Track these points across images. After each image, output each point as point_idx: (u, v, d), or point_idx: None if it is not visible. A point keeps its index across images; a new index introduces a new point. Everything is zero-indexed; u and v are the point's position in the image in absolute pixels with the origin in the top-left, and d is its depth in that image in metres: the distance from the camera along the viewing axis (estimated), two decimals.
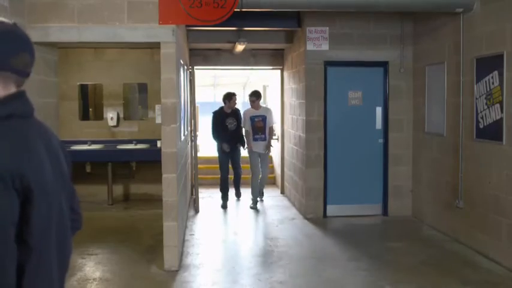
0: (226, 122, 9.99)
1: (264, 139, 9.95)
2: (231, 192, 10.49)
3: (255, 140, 9.95)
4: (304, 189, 9.04)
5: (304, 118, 8.97)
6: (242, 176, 10.73)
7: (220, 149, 10.08)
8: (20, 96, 1.89)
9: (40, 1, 5.95)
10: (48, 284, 1.92)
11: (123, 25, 6.05)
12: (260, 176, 10.14)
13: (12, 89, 1.88)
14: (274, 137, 10.59)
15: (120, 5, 6.04)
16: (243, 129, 10.07)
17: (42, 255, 1.86)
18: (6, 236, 1.71)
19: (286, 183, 11.10)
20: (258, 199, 10.23)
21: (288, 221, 8.86)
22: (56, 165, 1.98)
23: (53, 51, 6.60)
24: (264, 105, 10.92)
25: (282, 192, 11.33)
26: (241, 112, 10.31)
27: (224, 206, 10.02)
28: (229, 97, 10.09)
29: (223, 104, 10.20)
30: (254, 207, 9.90)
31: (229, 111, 10.05)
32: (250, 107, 10.20)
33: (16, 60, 1.89)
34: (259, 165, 10.10)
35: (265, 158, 10.16)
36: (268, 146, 10.08)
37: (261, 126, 9.94)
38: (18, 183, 1.73)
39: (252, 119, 9.95)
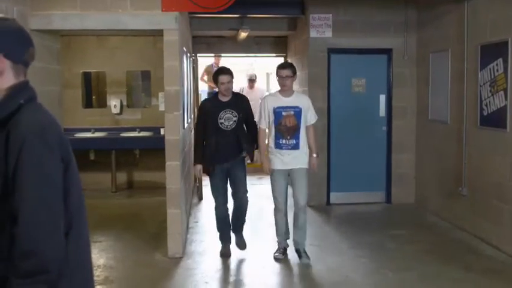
0: (219, 118, 6.15)
1: (296, 147, 6.08)
2: None
3: (279, 146, 6.08)
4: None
5: None
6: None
7: (212, 171, 6.27)
8: (28, 83, 2.11)
9: None
10: (87, 248, 2.17)
11: (126, 12, 6.03)
12: (296, 208, 6.30)
13: (22, 78, 2.08)
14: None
15: None
16: (258, 127, 6.35)
17: (80, 223, 2.08)
18: (59, 198, 1.94)
19: None
20: (288, 244, 6.46)
21: (290, 208, 8.85)
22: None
23: (56, 39, 6.58)
24: (296, 92, 6.50)
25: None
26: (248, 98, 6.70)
27: (225, 254, 6.41)
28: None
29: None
30: (279, 256, 6.30)
31: (226, 99, 6.19)
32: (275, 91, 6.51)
33: (27, 54, 2.10)
34: (286, 191, 6.28)
35: (301, 177, 6.17)
36: (312, 161, 6.24)
37: (292, 126, 6.07)
38: (62, 151, 1.98)
39: (278, 112, 6.08)
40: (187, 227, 7.42)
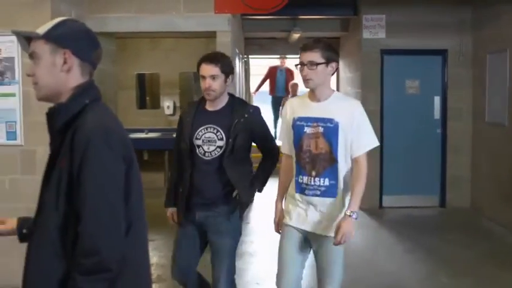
0: (194, 138, 3.77)
1: (328, 193, 3.48)
2: None
3: (299, 189, 3.56)
4: None
5: None
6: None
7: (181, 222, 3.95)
8: (94, 83, 2.17)
9: None
10: (145, 247, 2.19)
11: (179, 14, 6.11)
12: None
13: (87, 78, 2.13)
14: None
15: None
16: (277, 149, 3.95)
17: (139, 223, 2.11)
18: (120, 198, 1.98)
19: None
20: None
21: None
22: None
23: (111, 41, 6.73)
24: (338, 93, 3.77)
25: None
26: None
27: None
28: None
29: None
30: None
31: (213, 107, 3.81)
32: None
33: (95, 54, 2.16)
34: (298, 267, 3.63)
35: (331, 254, 3.50)
36: (343, 226, 3.32)
37: (320, 154, 3.47)
38: (124, 151, 2.01)
39: (298, 127, 3.54)
40: None
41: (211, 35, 6.35)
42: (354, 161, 3.51)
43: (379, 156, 8.71)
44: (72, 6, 5.49)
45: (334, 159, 3.46)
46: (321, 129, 3.46)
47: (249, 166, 3.93)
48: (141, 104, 10.76)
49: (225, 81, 3.76)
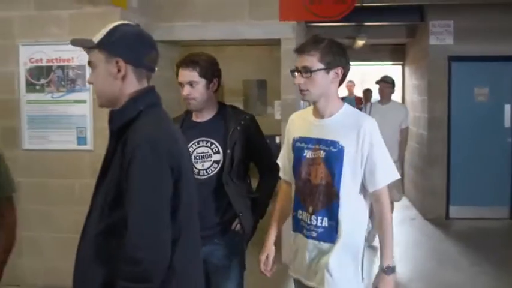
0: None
1: (326, 236, 2.67)
2: None
3: (296, 226, 2.81)
4: (426, 189, 8.74)
5: (427, 115, 8.67)
6: None
7: None
8: (153, 89, 2.14)
9: (166, 1, 6.19)
10: (196, 261, 2.14)
11: (244, 22, 6.15)
12: None
13: (145, 84, 2.12)
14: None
15: (241, 2, 6.15)
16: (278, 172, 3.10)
17: (189, 234, 2.05)
18: (166, 208, 1.93)
19: (406, 182, 10.81)
20: None
21: (408, 221, 8.62)
22: (185, 146, 2.25)
23: (176, 49, 6.84)
24: (348, 107, 2.80)
25: (402, 191, 11.01)
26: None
27: None
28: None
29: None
30: None
31: (201, 117, 3.29)
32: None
33: (149, 58, 2.12)
34: None
35: None
36: (383, 285, 2.65)
37: (319, 185, 2.67)
38: (172, 162, 1.95)
39: (298, 149, 2.78)
40: None
41: (275, 43, 6.36)
42: (372, 198, 2.70)
43: (446, 165, 8.50)
44: (141, 16, 5.63)
45: (335, 194, 2.63)
46: (322, 154, 2.67)
47: (249, 187, 3.34)
48: None
49: (208, 87, 3.19)
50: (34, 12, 5.44)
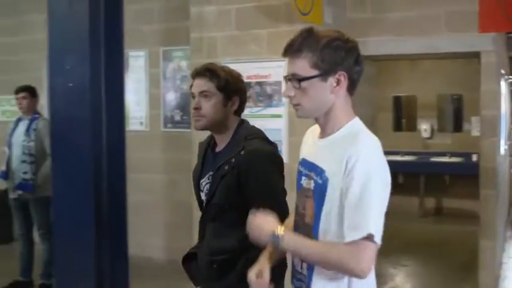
0: (200, 185, 2.71)
1: (305, 284, 2.06)
2: None
3: (293, 271, 2.15)
4: None
5: None
6: None
7: None
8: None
9: (359, 17, 6.20)
10: None
11: (440, 35, 5.95)
12: None
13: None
14: None
15: (437, 15, 5.95)
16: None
17: None
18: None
19: None
20: None
21: None
22: None
23: (371, 64, 6.82)
24: (356, 123, 2.15)
25: None
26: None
27: None
28: None
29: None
30: None
31: (221, 147, 2.66)
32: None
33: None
34: None
35: None
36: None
37: (305, 225, 2.06)
38: None
39: (299, 176, 2.17)
40: (501, 262, 6.92)
41: (471, 56, 6.08)
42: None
43: None
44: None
45: (313, 237, 1.99)
46: (312, 185, 2.03)
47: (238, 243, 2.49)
48: (397, 127, 10.72)
49: (225, 104, 2.57)
50: (236, 32, 5.76)
